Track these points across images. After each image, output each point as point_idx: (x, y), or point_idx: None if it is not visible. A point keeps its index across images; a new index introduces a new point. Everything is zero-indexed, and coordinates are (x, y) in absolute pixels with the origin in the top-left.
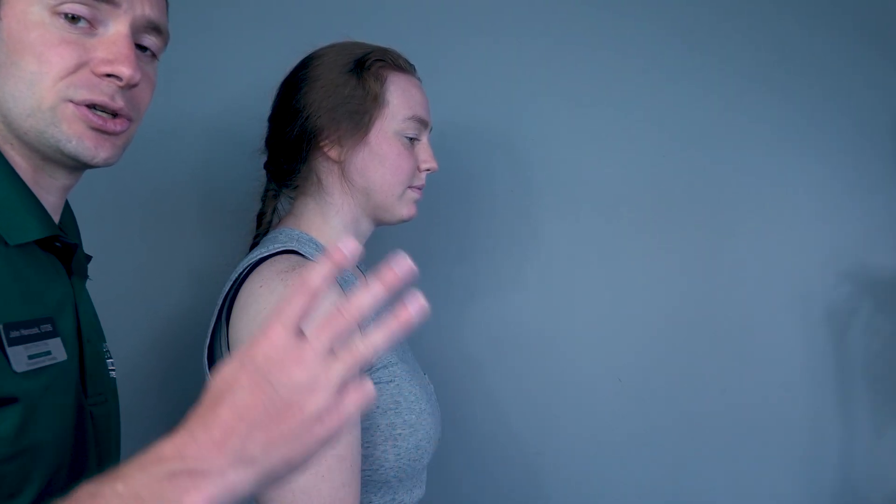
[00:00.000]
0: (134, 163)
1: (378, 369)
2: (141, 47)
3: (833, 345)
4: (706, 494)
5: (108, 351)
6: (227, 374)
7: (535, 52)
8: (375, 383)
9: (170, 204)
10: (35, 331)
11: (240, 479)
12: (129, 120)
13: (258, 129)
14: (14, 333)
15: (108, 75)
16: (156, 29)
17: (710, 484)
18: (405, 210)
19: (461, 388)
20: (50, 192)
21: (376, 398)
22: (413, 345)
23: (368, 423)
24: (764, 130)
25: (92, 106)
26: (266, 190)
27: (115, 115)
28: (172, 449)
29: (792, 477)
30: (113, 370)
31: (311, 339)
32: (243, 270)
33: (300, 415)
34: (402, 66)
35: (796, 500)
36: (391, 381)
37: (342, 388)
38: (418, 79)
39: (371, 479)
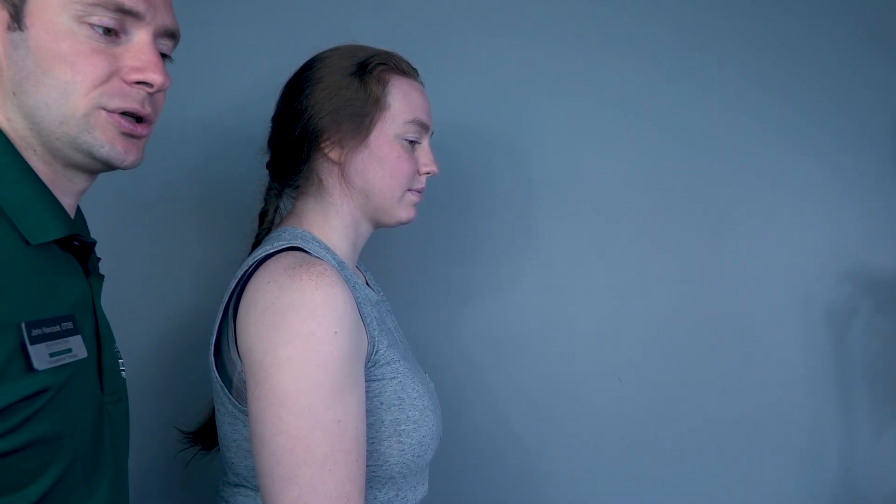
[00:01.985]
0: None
1: (382, 365)
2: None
3: (833, 345)
4: (706, 494)
5: (118, 351)
6: None
7: (535, 52)
8: (379, 380)
9: (176, 204)
10: (56, 329)
11: None
12: (150, 124)
13: (264, 129)
14: (36, 331)
15: (139, 82)
16: (171, 35)
17: (710, 484)
18: (404, 213)
19: (461, 388)
20: (66, 194)
21: (381, 395)
22: (413, 344)
23: (373, 419)
24: (764, 130)
25: (122, 112)
26: (268, 189)
27: (138, 119)
28: None
29: (792, 477)
30: (123, 370)
31: None
32: (249, 268)
33: None
34: (405, 70)
35: (796, 499)
36: (394, 378)
37: None
38: (421, 83)
39: (375, 474)
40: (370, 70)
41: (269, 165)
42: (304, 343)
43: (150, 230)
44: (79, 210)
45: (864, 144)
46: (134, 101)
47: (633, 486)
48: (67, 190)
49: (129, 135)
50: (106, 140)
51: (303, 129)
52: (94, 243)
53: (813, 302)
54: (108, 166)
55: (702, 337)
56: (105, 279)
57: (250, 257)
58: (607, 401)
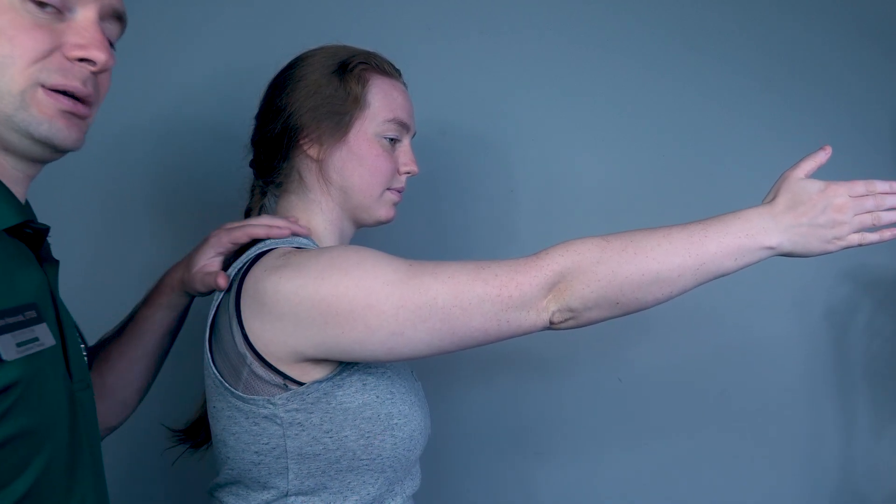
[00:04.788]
0: (133, 160)
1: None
2: None
3: (833, 345)
4: (706, 495)
5: (80, 336)
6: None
7: (535, 53)
8: (373, 373)
9: (164, 203)
10: (20, 318)
11: None
12: (93, 105)
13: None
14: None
15: (82, 60)
16: (118, 17)
17: (710, 484)
18: (383, 211)
19: (459, 387)
20: (15, 182)
21: (376, 388)
22: None
23: (371, 413)
24: (763, 130)
25: (62, 92)
26: (253, 186)
27: (80, 100)
28: None
29: (792, 476)
30: (86, 356)
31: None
32: (242, 266)
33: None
34: (386, 70)
35: (796, 499)
36: (385, 372)
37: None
38: (403, 83)
39: (369, 468)
40: (351, 69)
41: (252, 163)
42: (333, 253)
43: (138, 229)
44: (27, 202)
45: (864, 144)
46: (75, 78)
47: (633, 486)
48: (14, 178)
49: (70, 113)
50: (45, 118)
51: (283, 127)
52: (47, 229)
53: (813, 302)
54: (49, 147)
55: (701, 337)
56: (97, 276)
57: (240, 259)
58: (607, 401)
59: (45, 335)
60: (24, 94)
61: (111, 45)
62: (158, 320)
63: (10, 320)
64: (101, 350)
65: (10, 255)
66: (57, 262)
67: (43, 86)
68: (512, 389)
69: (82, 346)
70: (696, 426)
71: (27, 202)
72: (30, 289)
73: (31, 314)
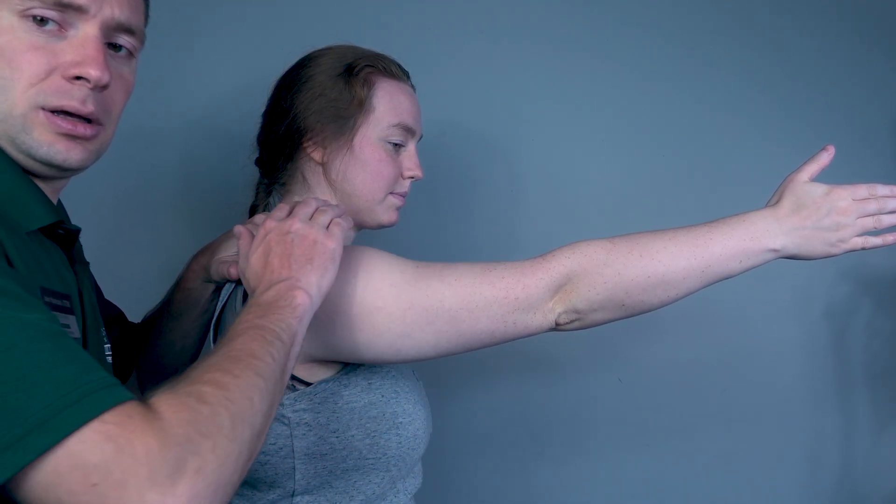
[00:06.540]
0: (135, 160)
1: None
2: (115, 46)
3: (833, 345)
4: (706, 495)
5: (105, 336)
6: None
7: (536, 55)
8: (378, 371)
9: (168, 202)
10: (60, 303)
11: None
12: (101, 124)
13: (255, 127)
14: (48, 299)
15: (78, 77)
16: (128, 30)
17: (710, 484)
18: (385, 216)
19: (460, 387)
20: (45, 189)
21: (381, 387)
22: None
23: (377, 412)
24: (763, 131)
25: (63, 112)
26: (258, 184)
27: (87, 120)
28: None
29: (792, 477)
30: (109, 355)
31: None
32: None
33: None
34: (393, 73)
35: (796, 500)
36: (390, 371)
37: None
38: (411, 86)
39: (374, 466)
40: (356, 72)
41: (257, 162)
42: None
43: (142, 228)
44: (60, 203)
45: (864, 144)
46: (73, 98)
47: (633, 486)
48: (41, 185)
49: (70, 135)
50: (44, 140)
51: (287, 128)
52: (78, 230)
53: (812, 301)
54: (53, 167)
55: (702, 336)
56: (96, 278)
57: None
58: (607, 401)
59: (74, 326)
60: (26, 116)
61: (131, 55)
62: (191, 303)
63: (55, 301)
64: (145, 329)
65: (46, 254)
66: (87, 263)
67: (43, 108)
68: (512, 389)
69: (107, 345)
70: (697, 426)
71: (60, 203)
72: (64, 284)
73: (66, 303)
